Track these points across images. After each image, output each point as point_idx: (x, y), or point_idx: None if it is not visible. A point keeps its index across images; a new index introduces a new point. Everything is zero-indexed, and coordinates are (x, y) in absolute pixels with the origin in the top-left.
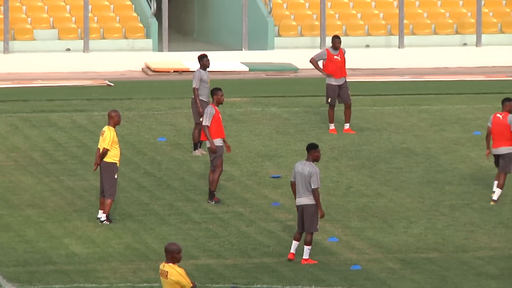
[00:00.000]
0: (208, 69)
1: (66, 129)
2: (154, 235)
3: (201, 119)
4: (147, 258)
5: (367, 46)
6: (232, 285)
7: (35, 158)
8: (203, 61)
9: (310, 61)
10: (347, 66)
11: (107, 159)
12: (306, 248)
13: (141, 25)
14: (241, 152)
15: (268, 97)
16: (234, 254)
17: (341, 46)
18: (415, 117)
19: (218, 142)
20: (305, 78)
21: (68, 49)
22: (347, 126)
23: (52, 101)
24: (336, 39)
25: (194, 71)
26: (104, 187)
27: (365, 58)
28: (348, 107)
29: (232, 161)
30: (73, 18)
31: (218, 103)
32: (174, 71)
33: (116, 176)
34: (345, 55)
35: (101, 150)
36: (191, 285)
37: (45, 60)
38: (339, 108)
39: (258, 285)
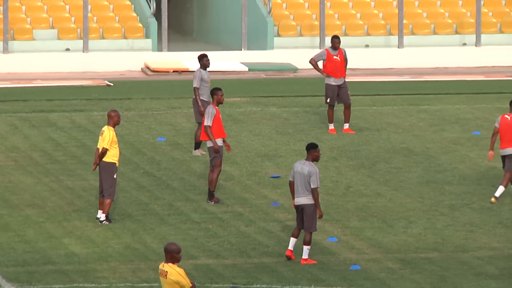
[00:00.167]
0: (207, 69)
1: (66, 129)
2: (153, 235)
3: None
4: (147, 258)
5: (367, 46)
6: (231, 285)
7: (35, 158)
8: (203, 60)
9: (309, 62)
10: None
11: (106, 159)
12: (305, 248)
13: (140, 25)
14: (241, 152)
15: (267, 97)
16: (233, 254)
17: (341, 46)
18: (415, 117)
19: (218, 142)
20: (304, 78)
21: (67, 49)
22: (346, 126)
23: (51, 101)
24: (335, 39)
25: (193, 71)
26: (103, 187)
27: (365, 58)
28: (347, 107)
29: (232, 161)
30: (73, 18)
31: (219, 102)
32: (173, 71)
33: (115, 176)
34: (346, 56)
35: (100, 150)
36: (191, 285)
37: (45, 60)
38: (339, 108)
39: (258, 285)
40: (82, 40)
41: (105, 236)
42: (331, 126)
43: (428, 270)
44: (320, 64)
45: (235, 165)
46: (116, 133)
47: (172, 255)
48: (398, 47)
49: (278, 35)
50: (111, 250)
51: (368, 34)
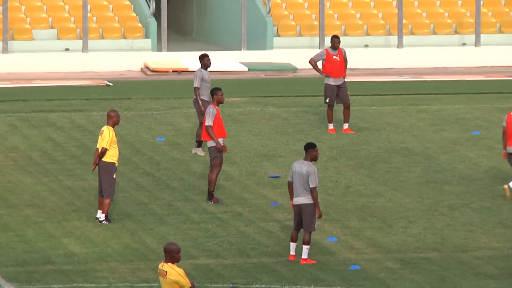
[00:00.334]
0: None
1: (65, 129)
2: (153, 235)
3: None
4: (146, 258)
5: (366, 46)
6: (231, 285)
7: (34, 158)
8: (204, 60)
9: (309, 62)
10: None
11: (105, 159)
12: (305, 248)
13: (140, 25)
14: (240, 152)
15: (267, 97)
16: (233, 254)
17: (340, 46)
18: (414, 117)
19: (220, 142)
20: (304, 78)
21: (67, 49)
22: (346, 126)
23: (51, 101)
24: (335, 39)
25: (192, 71)
26: (102, 187)
27: (364, 58)
28: (347, 107)
29: (231, 161)
30: (72, 18)
31: (219, 102)
32: (173, 71)
33: (114, 176)
34: (346, 56)
35: (100, 150)
36: (190, 285)
37: (44, 60)
38: (338, 108)
39: (257, 285)
40: (81, 40)
41: (104, 236)
42: (331, 126)
43: (428, 270)
44: (320, 64)
45: (235, 165)
46: (115, 133)
47: (172, 255)
48: (398, 47)
49: (278, 35)
50: (111, 250)
51: (367, 34)
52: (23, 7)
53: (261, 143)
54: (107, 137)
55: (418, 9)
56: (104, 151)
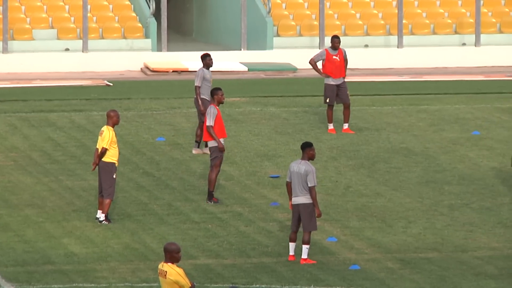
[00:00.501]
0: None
1: (65, 129)
2: (153, 235)
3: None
4: (146, 258)
5: (366, 46)
6: (231, 285)
7: (34, 158)
8: (206, 60)
9: (309, 62)
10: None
11: (105, 159)
12: (305, 248)
13: (140, 25)
14: (240, 152)
15: (267, 97)
16: (233, 254)
17: (340, 46)
18: (414, 117)
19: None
20: (304, 78)
21: (67, 49)
22: (346, 126)
23: (51, 101)
24: (335, 39)
25: (193, 71)
26: (102, 187)
27: (364, 58)
28: (347, 107)
29: (231, 161)
30: (72, 18)
31: (219, 102)
32: (173, 71)
33: (114, 176)
34: (346, 56)
35: (100, 150)
36: (190, 285)
37: (44, 60)
38: (338, 108)
39: (257, 285)
40: (81, 40)
41: (104, 236)
42: (331, 126)
43: (428, 270)
44: (320, 64)
45: (235, 165)
46: (115, 133)
47: (172, 255)
48: (398, 47)
49: (278, 35)
50: (111, 250)
51: (367, 34)
52: (23, 7)
53: (261, 143)
54: (107, 137)
55: (418, 9)
56: (104, 151)
